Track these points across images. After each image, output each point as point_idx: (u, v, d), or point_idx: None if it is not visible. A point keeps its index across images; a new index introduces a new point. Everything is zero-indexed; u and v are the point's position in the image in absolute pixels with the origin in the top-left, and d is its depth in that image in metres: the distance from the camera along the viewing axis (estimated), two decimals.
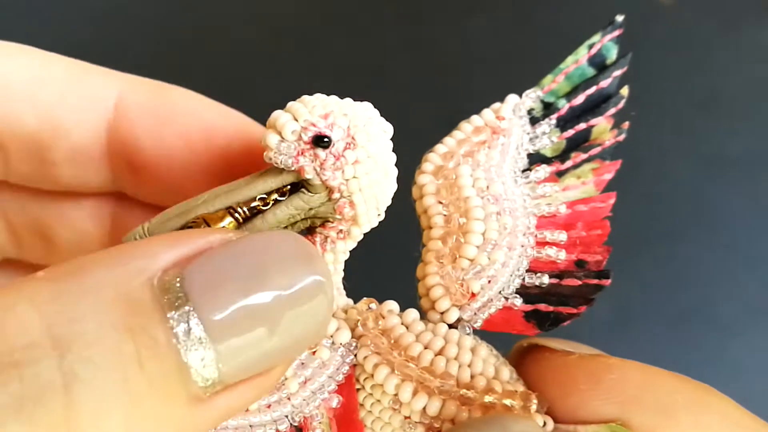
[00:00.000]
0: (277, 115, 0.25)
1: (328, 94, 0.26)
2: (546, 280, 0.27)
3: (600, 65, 0.30)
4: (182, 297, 0.19)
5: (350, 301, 0.28)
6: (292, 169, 0.25)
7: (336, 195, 0.25)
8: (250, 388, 0.21)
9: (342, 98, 0.26)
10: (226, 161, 0.30)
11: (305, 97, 0.25)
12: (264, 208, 0.25)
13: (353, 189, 0.25)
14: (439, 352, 0.25)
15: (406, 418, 0.25)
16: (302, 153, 0.24)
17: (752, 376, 0.54)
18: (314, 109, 0.24)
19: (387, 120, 0.26)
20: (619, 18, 0.30)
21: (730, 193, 0.63)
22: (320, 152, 0.24)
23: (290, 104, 0.25)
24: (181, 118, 0.29)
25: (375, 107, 0.26)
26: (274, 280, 0.20)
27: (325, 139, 0.24)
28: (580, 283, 0.27)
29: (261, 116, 0.27)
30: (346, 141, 0.25)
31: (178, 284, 0.20)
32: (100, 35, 0.69)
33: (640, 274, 0.56)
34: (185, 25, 0.73)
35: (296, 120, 0.24)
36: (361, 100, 0.26)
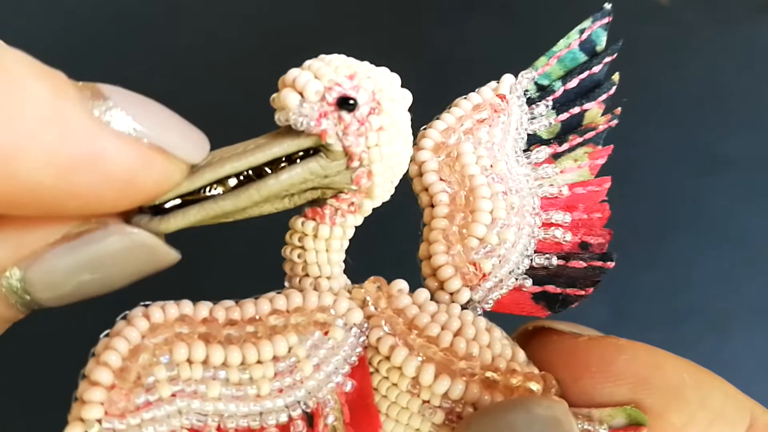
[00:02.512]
0: (296, 74, 0.23)
1: None
2: (555, 261, 0.26)
3: (590, 51, 0.30)
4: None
5: (349, 281, 0.26)
6: (313, 132, 0.23)
7: (355, 163, 0.23)
8: None
9: None
10: None
11: (324, 56, 0.23)
12: (268, 171, 0.23)
13: (374, 158, 0.23)
14: (457, 333, 0.24)
15: (425, 402, 0.24)
16: (325, 115, 0.22)
17: (749, 376, 0.54)
18: (338, 69, 0.23)
19: None
20: (608, 5, 0.30)
21: (727, 193, 0.63)
22: (345, 115, 0.23)
23: (309, 63, 0.23)
24: None
25: None
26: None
27: (351, 102, 0.22)
28: (585, 265, 0.27)
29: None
30: (371, 105, 0.23)
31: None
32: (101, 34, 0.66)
33: (636, 274, 0.56)
34: (183, 27, 0.70)
35: (319, 79, 0.22)
36: None
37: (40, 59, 0.19)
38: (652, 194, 0.60)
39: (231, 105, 0.54)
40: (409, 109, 0.25)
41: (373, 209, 0.26)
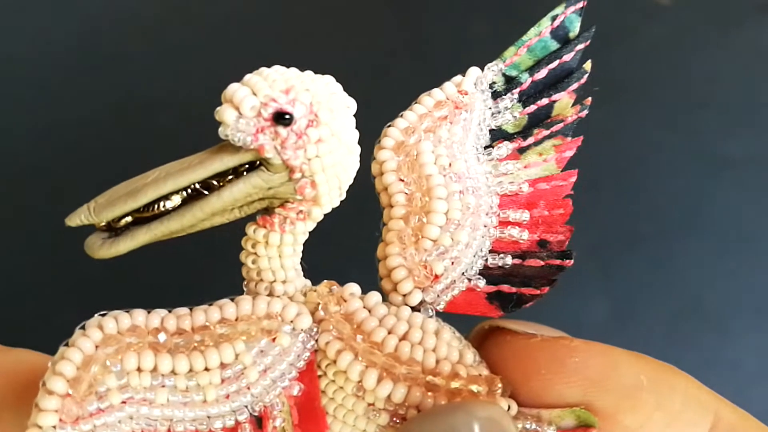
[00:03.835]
0: (235, 89, 0.23)
1: None
2: (509, 261, 0.26)
3: (563, 38, 0.29)
4: None
5: (308, 283, 0.27)
6: (251, 147, 0.23)
7: (297, 175, 0.24)
8: None
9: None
10: None
11: (263, 70, 0.24)
12: (216, 184, 0.24)
13: (315, 169, 0.24)
14: (403, 337, 0.25)
15: (369, 405, 0.24)
16: (262, 130, 0.23)
17: (748, 376, 0.55)
18: (274, 84, 0.23)
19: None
20: None
21: (727, 193, 0.62)
22: (281, 130, 0.23)
23: (248, 77, 0.24)
24: None
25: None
26: None
27: (287, 116, 0.23)
28: (542, 263, 0.26)
29: None
30: (308, 118, 0.23)
31: None
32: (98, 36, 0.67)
33: (637, 273, 0.56)
34: (183, 25, 0.71)
35: (255, 95, 0.23)
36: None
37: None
38: (654, 193, 0.59)
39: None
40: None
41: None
